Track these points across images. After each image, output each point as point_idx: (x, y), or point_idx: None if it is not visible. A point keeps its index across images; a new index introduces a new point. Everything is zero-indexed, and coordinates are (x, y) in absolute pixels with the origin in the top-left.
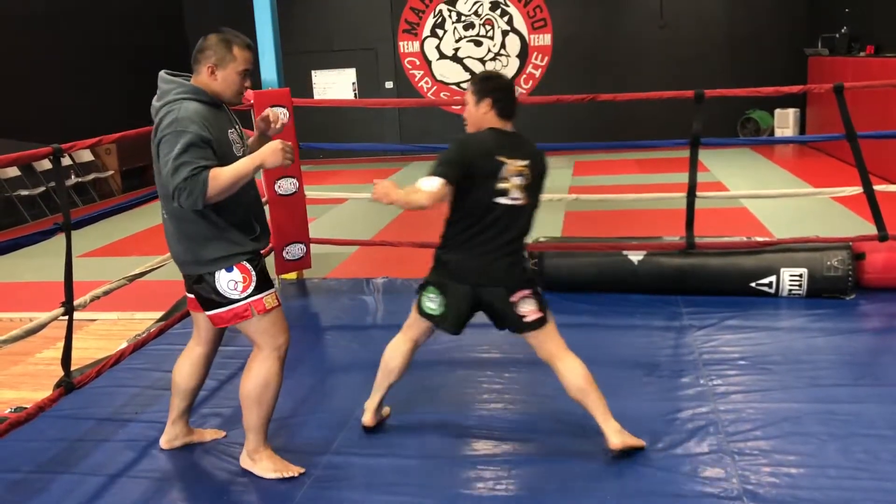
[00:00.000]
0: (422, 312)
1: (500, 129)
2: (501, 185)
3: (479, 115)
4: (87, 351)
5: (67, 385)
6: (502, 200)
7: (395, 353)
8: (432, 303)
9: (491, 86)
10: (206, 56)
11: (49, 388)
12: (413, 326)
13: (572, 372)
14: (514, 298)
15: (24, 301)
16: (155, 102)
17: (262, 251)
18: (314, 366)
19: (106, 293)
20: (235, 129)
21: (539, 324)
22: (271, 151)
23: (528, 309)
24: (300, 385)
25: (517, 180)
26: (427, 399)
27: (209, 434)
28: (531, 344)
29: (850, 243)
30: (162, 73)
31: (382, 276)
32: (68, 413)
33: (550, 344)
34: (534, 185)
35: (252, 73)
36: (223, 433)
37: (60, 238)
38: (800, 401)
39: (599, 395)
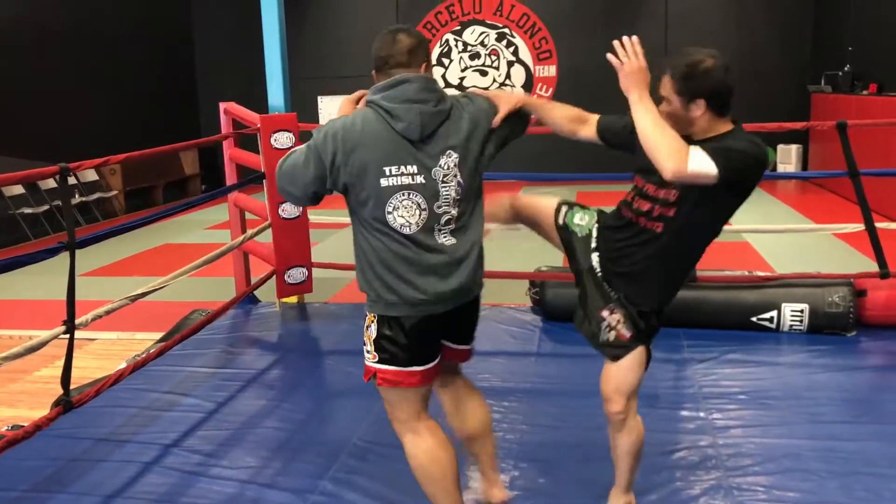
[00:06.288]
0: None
1: None
2: None
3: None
4: (87, 370)
5: (66, 404)
6: None
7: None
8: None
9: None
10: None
11: (47, 406)
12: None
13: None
14: None
15: (25, 319)
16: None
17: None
18: (313, 391)
19: (108, 312)
20: None
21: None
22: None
23: None
24: (298, 410)
25: None
26: None
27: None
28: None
29: (852, 280)
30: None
31: None
32: (66, 432)
33: None
34: None
35: None
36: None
37: (62, 256)
38: (800, 437)
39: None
